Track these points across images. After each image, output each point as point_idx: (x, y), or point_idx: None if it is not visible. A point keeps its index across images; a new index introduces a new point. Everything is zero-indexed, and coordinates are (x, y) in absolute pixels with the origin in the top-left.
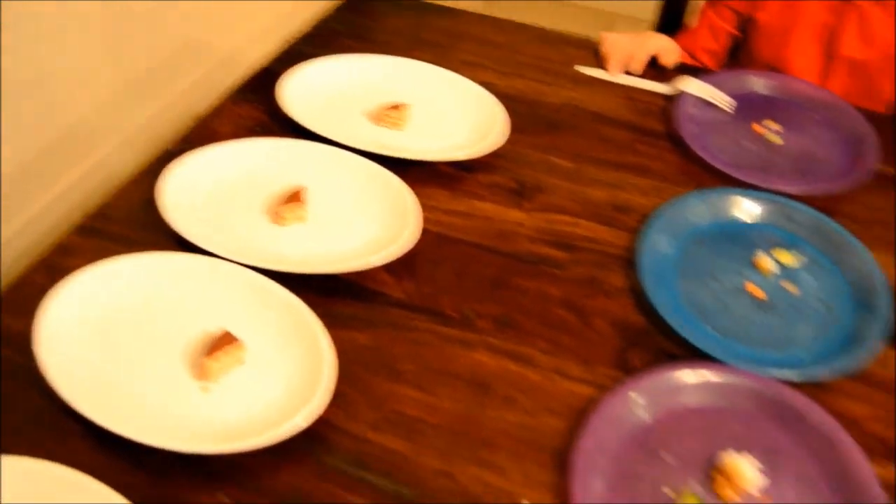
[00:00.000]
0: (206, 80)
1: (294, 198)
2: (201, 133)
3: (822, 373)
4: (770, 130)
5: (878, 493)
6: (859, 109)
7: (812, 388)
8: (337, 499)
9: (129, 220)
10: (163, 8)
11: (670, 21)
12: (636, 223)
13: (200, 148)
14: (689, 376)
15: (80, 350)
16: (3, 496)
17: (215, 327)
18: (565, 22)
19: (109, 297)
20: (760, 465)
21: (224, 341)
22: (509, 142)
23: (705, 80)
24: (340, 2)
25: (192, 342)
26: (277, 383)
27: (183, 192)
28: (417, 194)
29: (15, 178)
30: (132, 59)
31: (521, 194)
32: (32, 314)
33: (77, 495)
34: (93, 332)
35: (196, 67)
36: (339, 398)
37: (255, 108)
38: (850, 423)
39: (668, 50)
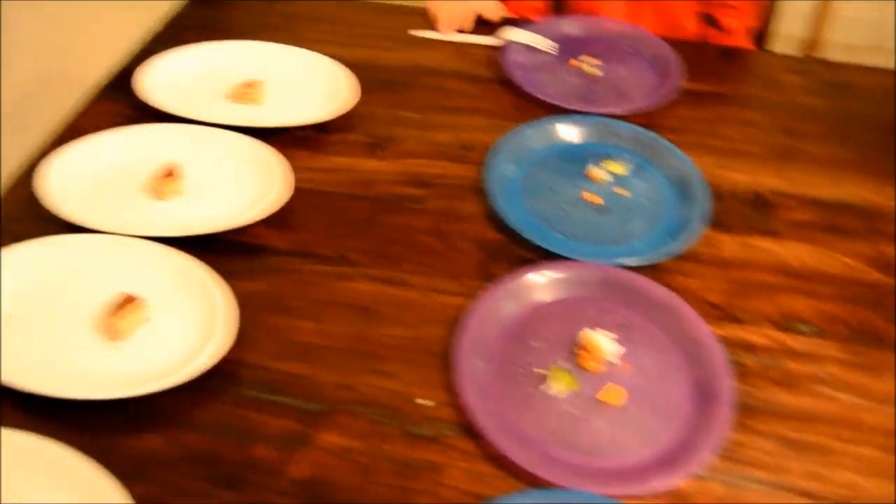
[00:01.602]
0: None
1: (169, 173)
2: (71, 133)
3: (656, 256)
4: (588, 65)
5: (718, 348)
6: (666, 40)
7: (651, 271)
8: (255, 422)
9: (14, 219)
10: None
11: None
12: (481, 157)
13: (73, 142)
14: (544, 274)
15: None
16: None
17: (115, 294)
18: None
19: (11, 283)
20: (616, 337)
21: (126, 301)
22: (360, 104)
23: (527, 29)
24: (182, 3)
25: (98, 311)
26: (182, 333)
27: (64, 183)
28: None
29: None
30: None
31: (375, 146)
32: None
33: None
34: (6, 316)
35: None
36: (243, 338)
37: (117, 104)
38: (686, 295)
39: (491, 7)
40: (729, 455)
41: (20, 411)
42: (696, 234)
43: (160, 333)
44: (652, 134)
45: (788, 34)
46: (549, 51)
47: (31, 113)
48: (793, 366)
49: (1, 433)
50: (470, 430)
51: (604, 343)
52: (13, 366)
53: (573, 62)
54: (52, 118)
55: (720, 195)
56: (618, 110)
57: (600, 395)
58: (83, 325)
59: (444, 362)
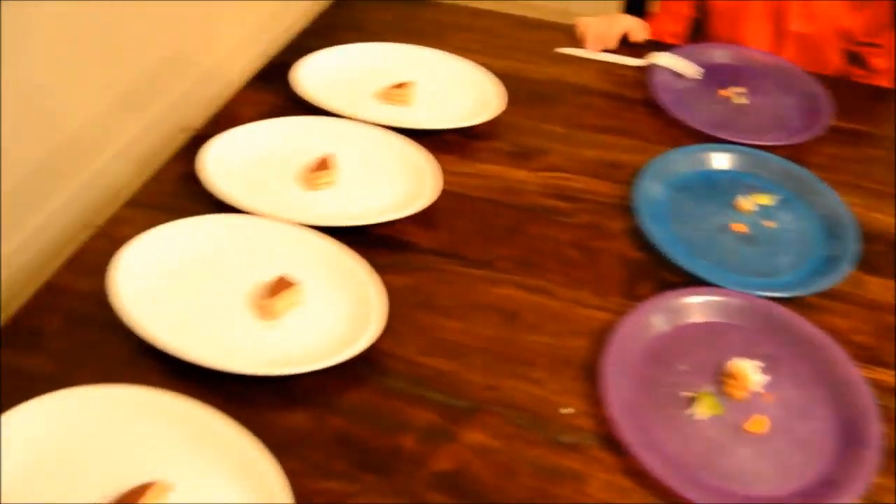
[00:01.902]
0: (193, 92)
1: (323, 165)
2: (226, 116)
3: (803, 291)
4: (735, 94)
5: (866, 389)
6: (810, 74)
7: (796, 306)
8: (402, 413)
9: (172, 194)
10: (149, 23)
11: (633, 10)
12: (626, 177)
13: (231, 129)
14: (694, 298)
15: (153, 300)
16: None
17: (270, 276)
18: (534, 14)
19: (171, 255)
20: (762, 367)
21: (283, 284)
22: (505, 113)
23: (674, 54)
24: (328, 3)
25: (252, 290)
26: (334, 319)
27: (220, 166)
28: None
29: (15, 192)
30: (122, 73)
31: (522, 156)
32: (100, 274)
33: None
34: (161, 285)
35: (180, 81)
36: (389, 331)
37: (270, 94)
38: (832, 333)
39: (637, 28)
40: (872, 500)
41: (175, 379)
42: (843, 274)
43: (312, 317)
44: (801, 168)
45: None
46: (694, 76)
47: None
48: None
49: (165, 399)
50: (611, 442)
51: (752, 373)
52: (173, 334)
53: (722, 92)
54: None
55: (868, 237)
56: (765, 142)
57: (746, 424)
58: (237, 302)
59: (585, 373)
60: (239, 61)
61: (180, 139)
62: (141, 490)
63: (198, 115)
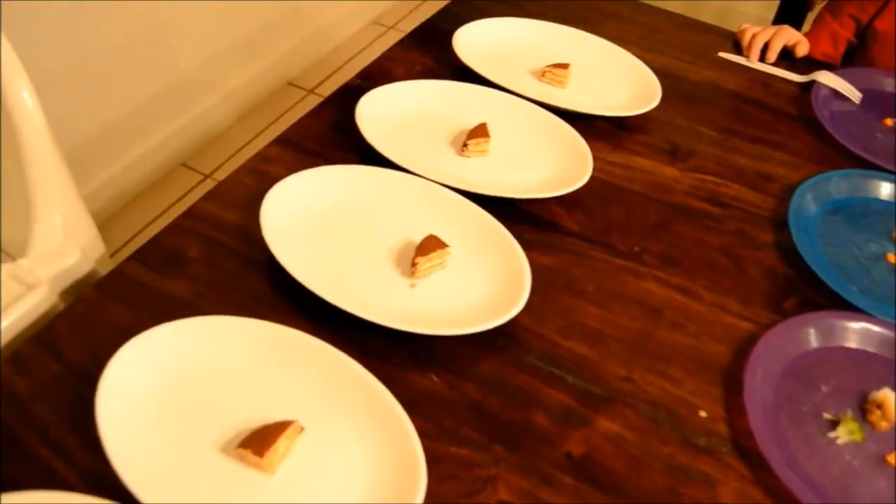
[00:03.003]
0: (301, 48)
1: (479, 132)
2: (378, 70)
3: None
4: None
5: None
6: None
7: None
8: (537, 390)
9: (319, 139)
10: None
11: (790, 16)
12: (779, 191)
13: (387, 84)
14: (844, 321)
15: (298, 241)
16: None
17: (418, 234)
18: (693, 12)
19: (319, 199)
20: None
21: (434, 244)
22: (659, 109)
23: (838, 74)
24: None
25: (396, 246)
26: (478, 287)
27: (372, 119)
28: None
29: (125, 121)
30: (239, 21)
31: (674, 154)
32: (246, 208)
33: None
34: (306, 228)
35: (293, 35)
36: (530, 307)
37: (422, 55)
38: None
39: (801, 42)
40: None
41: (312, 323)
42: None
43: (455, 281)
44: None
45: None
46: (854, 100)
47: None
48: None
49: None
50: (745, 452)
51: None
52: (314, 278)
53: (888, 121)
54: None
55: None
56: None
57: (888, 456)
58: (381, 256)
59: (724, 379)
60: (351, 24)
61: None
62: (279, 428)
63: (303, 71)
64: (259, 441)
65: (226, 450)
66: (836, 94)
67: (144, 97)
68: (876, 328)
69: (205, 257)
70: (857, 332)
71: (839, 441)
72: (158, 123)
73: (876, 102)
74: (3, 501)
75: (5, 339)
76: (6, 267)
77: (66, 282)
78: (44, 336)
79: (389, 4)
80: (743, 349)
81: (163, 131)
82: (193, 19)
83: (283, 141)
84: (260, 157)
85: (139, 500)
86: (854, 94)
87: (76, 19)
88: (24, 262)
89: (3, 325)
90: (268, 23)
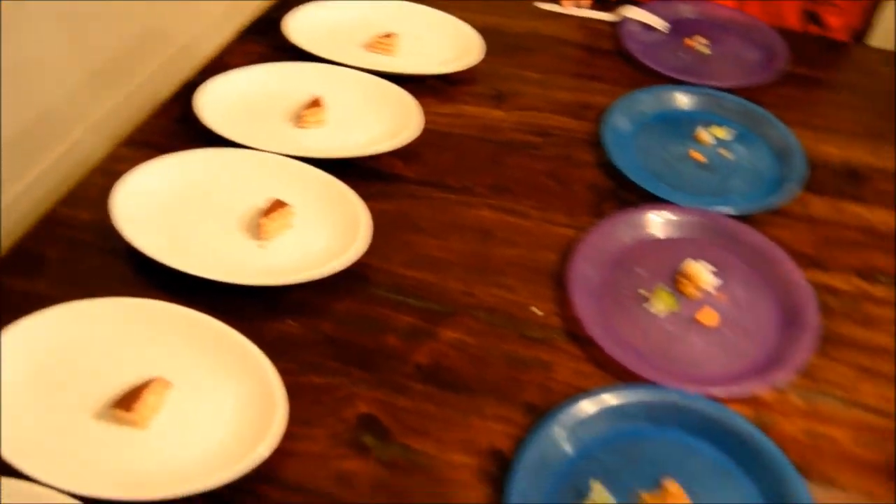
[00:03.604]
0: (167, 68)
1: (314, 104)
2: (216, 67)
3: (752, 208)
4: (699, 44)
5: (806, 286)
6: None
7: (746, 222)
8: (386, 316)
9: (165, 134)
10: None
11: None
12: (597, 115)
13: (226, 72)
14: (653, 214)
15: (152, 225)
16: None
17: (264, 200)
18: None
19: (168, 185)
20: (714, 270)
21: (277, 205)
22: (485, 62)
23: (644, 9)
24: None
25: (246, 215)
26: (323, 239)
27: (214, 106)
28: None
29: None
30: (96, 48)
31: (500, 99)
32: (98, 206)
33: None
34: (158, 212)
35: (157, 56)
36: (375, 249)
37: (260, 45)
38: (778, 244)
39: None
40: (809, 375)
41: (172, 295)
42: (790, 194)
43: (302, 238)
44: (756, 106)
45: (887, 34)
46: (662, 29)
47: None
48: (872, 309)
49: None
50: (576, 337)
51: (703, 273)
52: (170, 253)
53: (687, 41)
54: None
55: (815, 165)
56: (725, 84)
57: (697, 316)
58: (232, 225)
59: (554, 281)
60: (214, 39)
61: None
62: (141, 387)
63: (172, 92)
64: (127, 399)
65: (100, 415)
66: (646, 27)
67: (7, 140)
68: (683, 216)
69: (64, 257)
70: (666, 222)
71: (656, 312)
72: (27, 165)
73: (680, 27)
74: None
75: None
76: None
77: None
78: None
79: (254, 11)
80: (569, 253)
81: (32, 171)
82: (45, 57)
83: (130, 142)
84: (111, 158)
85: (23, 471)
86: (661, 24)
87: None
88: None
89: None
90: (125, 48)
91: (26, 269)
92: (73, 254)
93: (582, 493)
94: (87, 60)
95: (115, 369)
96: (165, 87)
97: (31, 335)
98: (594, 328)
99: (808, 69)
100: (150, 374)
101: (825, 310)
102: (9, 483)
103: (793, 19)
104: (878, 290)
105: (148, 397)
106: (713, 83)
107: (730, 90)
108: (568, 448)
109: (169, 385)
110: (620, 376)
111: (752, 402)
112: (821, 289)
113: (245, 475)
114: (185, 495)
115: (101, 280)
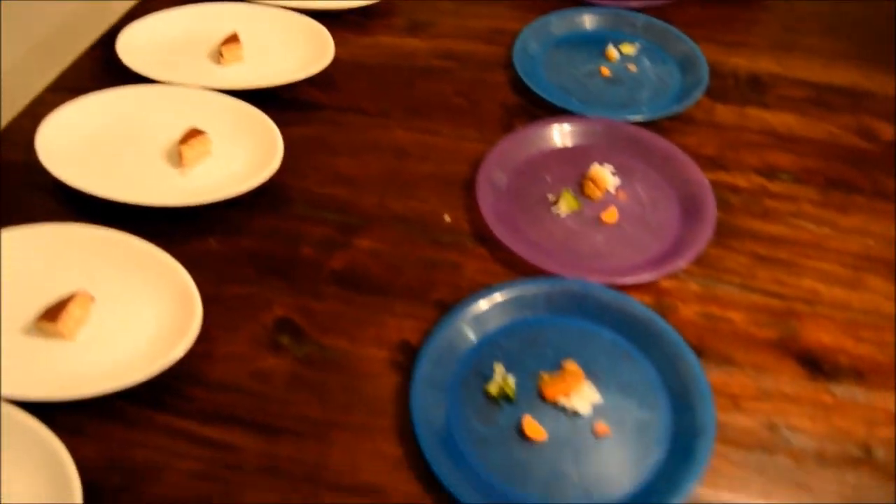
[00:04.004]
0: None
1: (232, 39)
2: (137, 13)
3: (657, 115)
4: None
5: (705, 183)
6: None
7: (652, 129)
8: (302, 230)
9: (91, 78)
10: None
11: None
12: (509, 40)
13: (144, 16)
14: (560, 125)
15: (77, 160)
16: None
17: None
18: None
19: (91, 122)
20: (614, 171)
21: (193, 134)
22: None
23: None
24: None
25: (168, 147)
26: (240, 162)
27: (135, 48)
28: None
29: None
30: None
31: (414, 29)
32: (25, 147)
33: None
34: (83, 148)
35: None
36: (293, 170)
37: None
38: (681, 148)
39: None
40: (706, 263)
41: (98, 222)
42: (694, 101)
43: (222, 163)
44: (663, 23)
45: None
46: None
47: None
48: (771, 203)
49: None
50: (485, 239)
51: (606, 175)
52: (95, 183)
53: None
54: None
55: (721, 74)
56: (633, 5)
57: (601, 215)
58: (154, 155)
59: (465, 190)
60: None
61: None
62: (66, 300)
63: (94, 39)
64: (52, 311)
65: (29, 330)
66: None
67: None
68: (589, 125)
69: None
70: (573, 132)
71: (561, 213)
72: None
73: None
74: None
75: None
76: None
77: None
78: None
79: None
80: (479, 162)
81: None
82: None
83: (55, 88)
84: (36, 102)
85: None
86: None
87: None
88: None
89: None
90: (54, 28)
91: None
92: (1, 192)
93: (485, 376)
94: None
95: (41, 289)
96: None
97: None
98: (499, 228)
99: None
100: (75, 290)
101: (726, 206)
102: None
103: None
104: (777, 186)
105: (73, 309)
106: (622, 3)
107: (639, 10)
108: (472, 336)
109: (92, 298)
110: (526, 273)
111: (652, 290)
112: (722, 187)
113: (174, 377)
114: (111, 392)
115: (30, 214)
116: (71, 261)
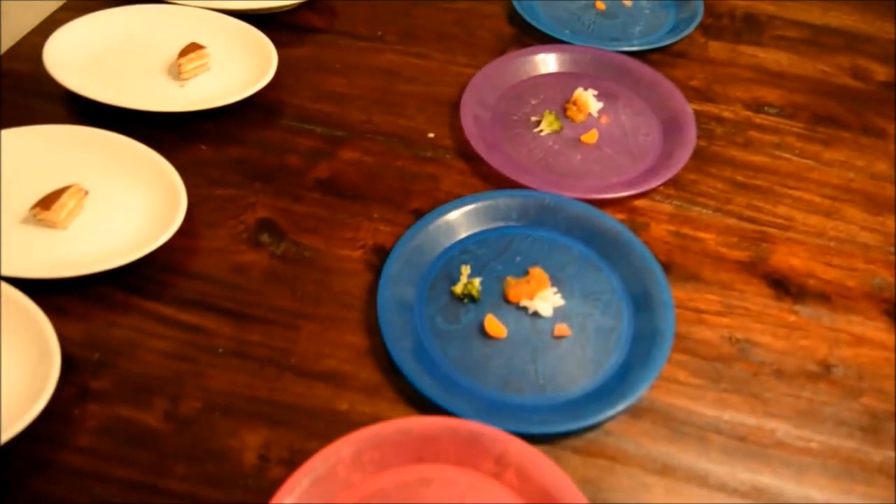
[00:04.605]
0: None
1: None
2: None
3: (648, 46)
4: None
5: (689, 111)
6: None
7: (642, 60)
8: (290, 141)
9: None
10: None
11: None
12: None
13: None
14: (548, 53)
15: (83, 71)
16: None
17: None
18: None
19: (96, 36)
20: (597, 95)
21: (192, 48)
22: None
23: None
24: None
25: (168, 60)
26: (237, 76)
27: None
28: None
29: None
30: None
31: None
32: (36, 60)
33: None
34: (87, 60)
35: None
36: (286, 86)
37: None
38: (670, 80)
39: None
40: (682, 187)
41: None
42: (685, 35)
43: (219, 77)
44: None
45: None
46: None
47: None
48: (755, 135)
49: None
50: (465, 155)
51: (589, 99)
52: (102, 91)
53: None
54: None
55: (717, 14)
56: None
57: (581, 137)
58: (157, 69)
59: (451, 110)
60: None
61: None
62: (59, 191)
63: None
64: (46, 200)
65: (25, 220)
66: None
67: None
68: (578, 53)
69: (6, 99)
70: (562, 59)
71: (542, 133)
72: None
73: None
74: None
75: None
76: None
77: None
78: None
79: None
80: (466, 84)
81: None
82: None
83: (66, 9)
84: (47, 21)
85: None
86: None
87: None
88: None
89: None
90: None
91: None
92: (9, 97)
93: (453, 279)
94: None
95: (40, 183)
96: None
97: None
98: (479, 143)
99: None
100: (70, 184)
101: (709, 135)
102: None
103: None
104: (763, 119)
105: (66, 200)
106: None
107: None
108: (444, 241)
109: (85, 192)
110: (503, 188)
111: (626, 208)
112: (707, 117)
113: (157, 268)
114: (94, 273)
115: (36, 117)
116: (69, 158)
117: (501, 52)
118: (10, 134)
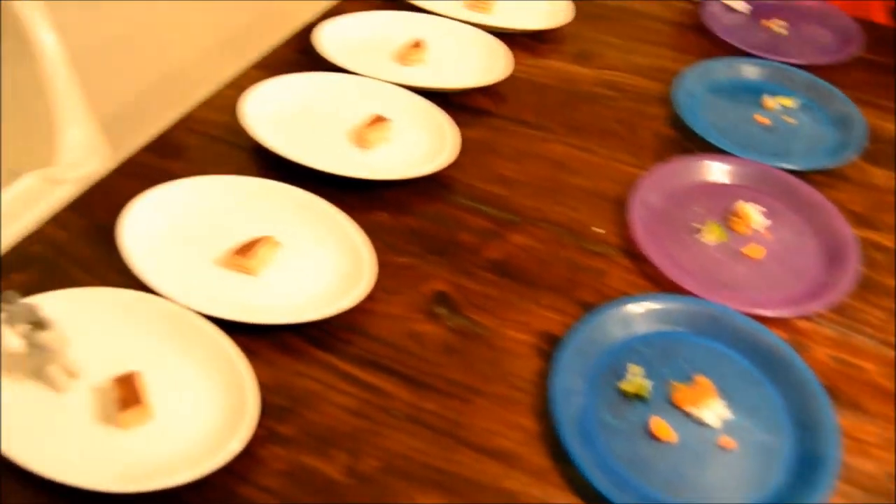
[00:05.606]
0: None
1: (417, 45)
2: (338, 10)
3: (811, 167)
4: (777, 25)
5: (851, 236)
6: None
7: (803, 180)
8: (463, 218)
9: (291, 63)
10: None
11: None
12: (671, 78)
13: (344, 16)
14: (713, 161)
15: (277, 130)
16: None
17: (370, 114)
18: None
19: (289, 97)
20: (764, 212)
21: (377, 120)
22: (573, 26)
23: None
24: None
25: (352, 128)
26: (416, 150)
27: (331, 42)
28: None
29: (116, 118)
30: (228, 18)
31: (583, 58)
32: (230, 111)
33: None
34: (279, 118)
35: (279, 31)
36: (459, 166)
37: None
38: (832, 202)
39: None
40: (845, 314)
41: (291, 179)
42: (848, 159)
43: (400, 149)
44: (824, 82)
45: None
46: (743, 11)
47: None
48: None
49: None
50: (631, 254)
51: (753, 213)
52: (291, 148)
53: (764, 21)
54: None
55: (876, 138)
56: (794, 62)
57: (744, 249)
58: (341, 135)
59: (616, 207)
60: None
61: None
62: (256, 241)
63: (294, 31)
64: (244, 249)
65: (220, 262)
66: (728, 8)
67: (136, 93)
68: (741, 166)
69: (200, 145)
70: (725, 170)
71: (706, 242)
72: (150, 119)
73: (761, 11)
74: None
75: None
76: (41, 172)
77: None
78: (76, 203)
79: None
80: (633, 184)
81: (151, 129)
82: (175, 23)
83: (259, 66)
84: (241, 77)
85: (161, 293)
86: (742, 6)
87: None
88: (52, 169)
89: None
90: (251, 20)
91: (165, 153)
92: (208, 144)
93: (620, 375)
94: (219, 29)
95: (233, 230)
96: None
97: (166, 199)
98: (647, 245)
99: (883, 57)
100: (266, 235)
101: (870, 262)
102: (148, 298)
103: (880, 16)
104: None
105: (260, 250)
106: (785, 59)
107: (800, 66)
108: (614, 335)
109: (279, 244)
110: (667, 290)
111: (788, 328)
112: (868, 244)
113: (339, 325)
114: (286, 323)
115: (227, 166)
116: (262, 209)
117: (662, 155)
118: (203, 182)
